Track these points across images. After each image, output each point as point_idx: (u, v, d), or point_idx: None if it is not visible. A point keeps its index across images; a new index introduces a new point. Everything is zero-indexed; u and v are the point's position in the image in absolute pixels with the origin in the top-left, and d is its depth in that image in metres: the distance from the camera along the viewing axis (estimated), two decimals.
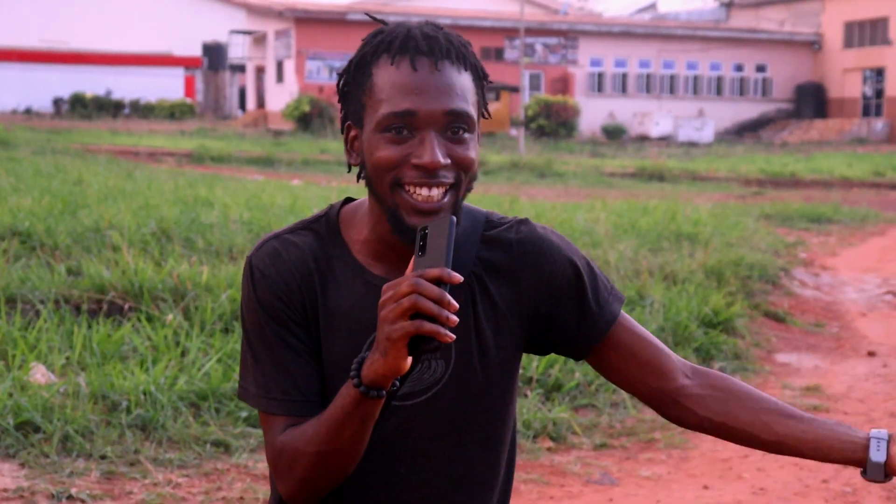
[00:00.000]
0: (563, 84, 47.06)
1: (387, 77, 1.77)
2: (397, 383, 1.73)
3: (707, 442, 5.85)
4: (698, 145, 43.02)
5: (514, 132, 41.59)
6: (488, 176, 25.34)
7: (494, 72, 43.95)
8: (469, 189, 1.81)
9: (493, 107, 43.12)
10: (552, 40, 47.17)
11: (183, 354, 6.02)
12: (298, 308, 1.84)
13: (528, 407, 5.90)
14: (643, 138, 44.91)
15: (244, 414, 5.41)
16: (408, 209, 1.75)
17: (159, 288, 6.83)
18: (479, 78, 1.85)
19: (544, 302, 1.90)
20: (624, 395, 6.38)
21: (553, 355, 6.46)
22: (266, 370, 1.83)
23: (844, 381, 7.38)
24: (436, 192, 1.75)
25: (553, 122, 42.60)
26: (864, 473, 1.81)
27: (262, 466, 5.03)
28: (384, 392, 1.70)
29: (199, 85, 52.95)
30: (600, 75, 48.33)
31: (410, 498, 1.90)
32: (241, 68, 52.21)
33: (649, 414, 6.25)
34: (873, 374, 7.59)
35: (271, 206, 11.33)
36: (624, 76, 48.75)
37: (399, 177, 1.75)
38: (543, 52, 46.93)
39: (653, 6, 68.08)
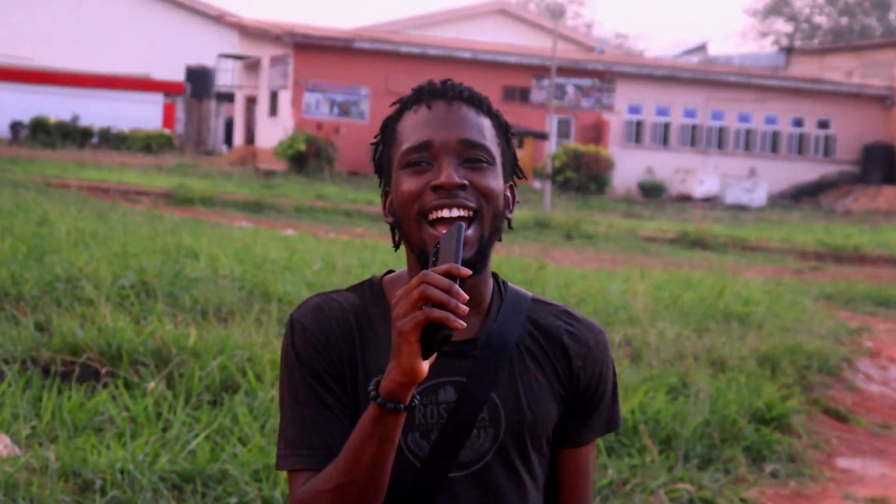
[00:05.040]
0: (596, 132, 47.32)
1: (407, 122, 2.15)
2: (416, 399, 1.96)
3: None
4: (749, 209, 43.16)
5: (538, 185, 41.78)
6: (509, 234, 25.42)
7: (519, 115, 44.22)
8: (497, 227, 2.14)
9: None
10: (585, 82, 47.51)
11: (165, 429, 6.08)
12: (336, 361, 2.11)
13: None
14: (685, 198, 45.08)
15: (234, 501, 5.48)
16: (433, 242, 2.04)
17: (140, 351, 6.91)
18: (500, 127, 2.20)
19: (569, 392, 2.22)
20: None
21: None
22: (295, 427, 2.10)
23: None
24: (456, 213, 2.07)
25: (583, 176, 42.82)
26: None
27: None
28: (402, 405, 1.94)
29: (179, 114, 53.28)
30: (639, 124, 48.61)
31: None
32: (228, 97, 52.58)
33: None
34: None
35: (264, 259, 11.43)
36: (666, 126, 49.02)
37: (422, 206, 2.08)
38: (575, 95, 47.24)
39: (702, 48, 68.56)
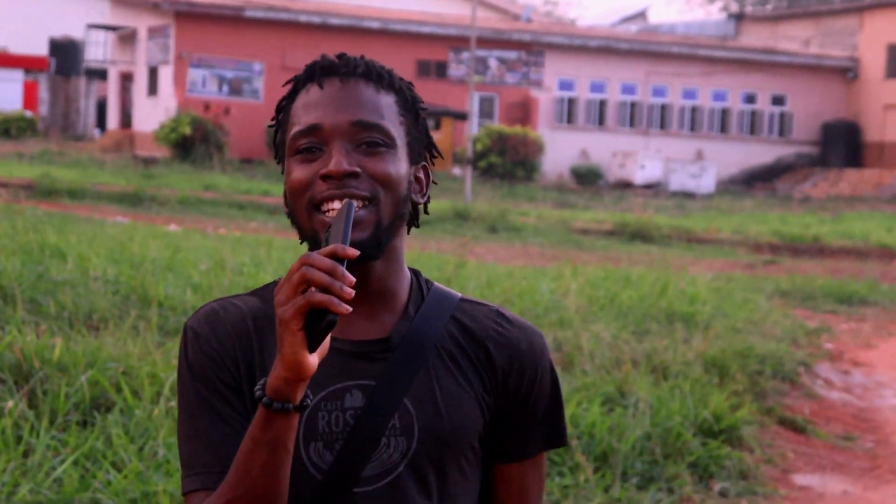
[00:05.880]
0: (523, 111, 47.51)
1: (298, 103, 2.19)
2: (309, 398, 1.98)
3: None
4: (695, 197, 43.56)
5: (457, 171, 41.86)
6: (424, 228, 25.41)
7: (435, 93, 44.22)
8: (401, 214, 2.18)
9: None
10: (510, 54, 47.67)
11: (26, 454, 6.02)
12: (232, 369, 2.14)
13: None
14: (624, 185, 45.39)
15: None
16: (325, 231, 2.07)
17: None
18: (406, 102, 2.23)
19: (501, 400, 2.24)
20: None
21: None
22: (190, 446, 2.13)
23: None
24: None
25: (508, 161, 42.97)
26: None
27: None
28: (290, 405, 1.95)
29: (43, 94, 52.67)
30: (571, 101, 48.86)
31: None
32: (100, 74, 52.07)
33: None
34: None
35: (143, 259, 11.35)
36: (601, 104, 49.32)
37: (312, 196, 2.12)
38: (499, 70, 47.39)
39: (642, 15, 69.09)
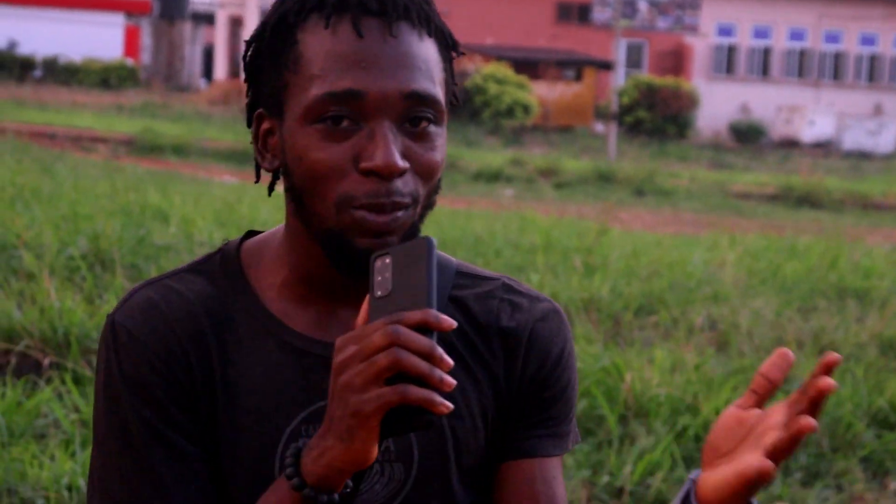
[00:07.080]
0: (676, 60, 47.17)
1: (319, 45, 1.78)
2: (350, 484, 1.75)
3: None
4: (873, 157, 42.96)
5: (600, 128, 41.70)
6: (563, 190, 25.39)
7: (576, 39, 44.01)
8: (431, 204, 1.85)
9: (572, 90, 43.16)
10: None
11: None
12: (184, 382, 1.84)
13: None
14: (790, 143, 44.90)
15: None
16: (361, 229, 1.76)
17: (93, 336, 6.92)
18: (446, 48, 1.87)
19: (513, 392, 1.98)
20: None
21: (652, 457, 6.52)
22: (131, 486, 1.84)
23: None
24: (386, 218, 1.76)
25: (658, 116, 42.70)
26: None
27: None
28: (336, 495, 1.73)
29: (145, 40, 53.31)
30: (731, 49, 48.41)
31: None
32: (207, 18, 52.56)
33: None
34: None
35: (252, 222, 11.46)
36: (765, 52, 48.80)
37: (346, 193, 1.76)
38: (649, 13, 47.08)
39: None
